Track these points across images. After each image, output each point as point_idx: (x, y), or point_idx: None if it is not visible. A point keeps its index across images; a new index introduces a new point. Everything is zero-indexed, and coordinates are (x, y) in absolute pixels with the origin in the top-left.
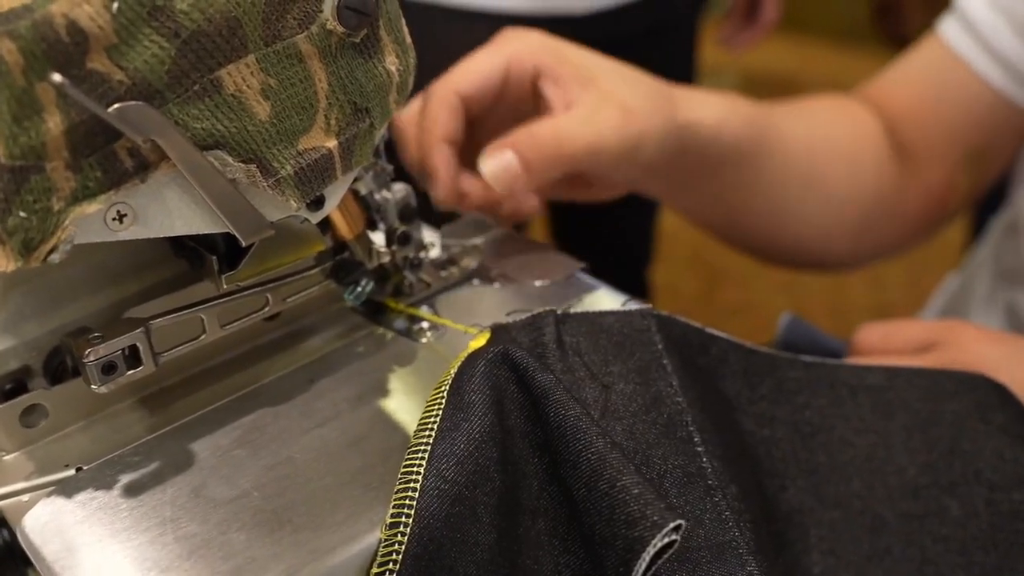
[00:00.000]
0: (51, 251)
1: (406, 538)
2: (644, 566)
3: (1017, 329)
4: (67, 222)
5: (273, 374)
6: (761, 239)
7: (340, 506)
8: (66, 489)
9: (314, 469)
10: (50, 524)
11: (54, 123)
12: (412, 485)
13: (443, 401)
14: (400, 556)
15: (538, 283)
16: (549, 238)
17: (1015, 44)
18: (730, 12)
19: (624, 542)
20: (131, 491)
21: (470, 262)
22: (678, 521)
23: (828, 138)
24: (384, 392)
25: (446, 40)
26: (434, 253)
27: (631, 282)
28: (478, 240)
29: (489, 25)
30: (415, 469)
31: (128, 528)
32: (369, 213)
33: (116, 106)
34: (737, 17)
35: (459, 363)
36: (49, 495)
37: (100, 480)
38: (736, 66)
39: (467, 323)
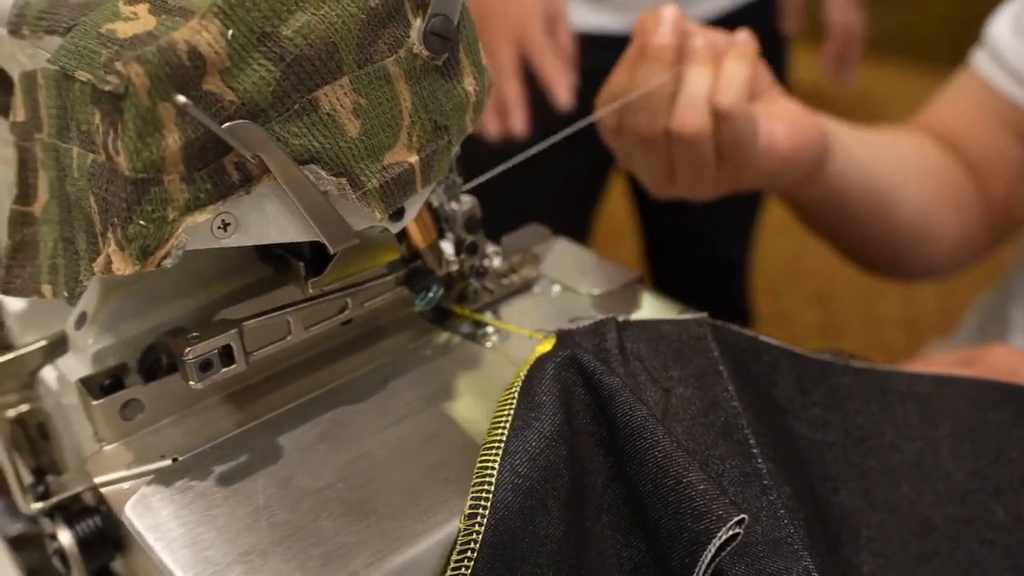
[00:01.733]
0: (165, 256)
1: (483, 528)
2: (709, 557)
3: None
4: (180, 230)
5: (349, 374)
6: (884, 256)
7: (419, 498)
8: (164, 478)
9: (392, 463)
10: (151, 510)
11: (173, 139)
12: (488, 479)
13: (515, 401)
14: (478, 544)
15: (596, 291)
16: (643, 255)
17: None
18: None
19: (690, 535)
20: (224, 481)
21: (530, 271)
22: (742, 515)
23: (924, 159)
24: (452, 393)
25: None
26: (497, 262)
27: (728, 300)
28: (537, 250)
29: (590, 45)
30: (490, 464)
31: (224, 515)
32: (439, 223)
33: (227, 124)
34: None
35: (528, 366)
36: (148, 483)
37: (195, 470)
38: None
39: (530, 329)
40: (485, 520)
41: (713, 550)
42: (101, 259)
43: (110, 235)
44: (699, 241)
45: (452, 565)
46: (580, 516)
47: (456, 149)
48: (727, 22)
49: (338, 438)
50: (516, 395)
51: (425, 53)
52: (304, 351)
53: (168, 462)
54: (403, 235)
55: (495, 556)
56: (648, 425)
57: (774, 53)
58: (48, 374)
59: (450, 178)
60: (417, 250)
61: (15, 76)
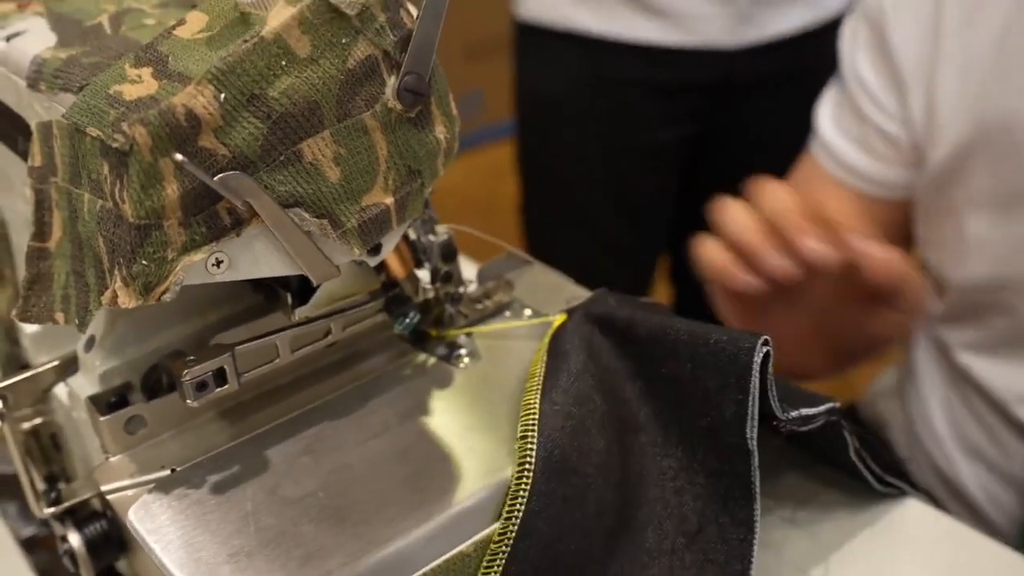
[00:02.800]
0: (164, 291)
1: (535, 445)
2: (756, 378)
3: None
4: (178, 268)
5: (332, 393)
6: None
7: (392, 505)
8: (163, 486)
9: (369, 474)
10: (152, 515)
11: (171, 190)
12: (532, 412)
13: (545, 357)
14: (532, 460)
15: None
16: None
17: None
18: None
19: (736, 369)
20: (217, 489)
21: (503, 296)
22: (764, 336)
23: None
24: (427, 410)
25: (608, 70)
26: (471, 289)
27: None
28: (512, 275)
29: (646, 57)
30: (532, 401)
31: (216, 520)
32: (416, 254)
33: (220, 176)
34: None
35: (550, 335)
36: (150, 491)
37: (191, 479)
38: None
39: (507, 348)
40: (535, 439)
41: (757, 369)
42: (108, 294)
43: (116, 273)
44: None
45: (514, 479)
46: (618, 435)
47: (429, 189)
48: (799, 41)
49: (320, 451)
50: (545, 355)
51: (399, 107)
52: (291, 372)
53: (167, 472)
54: (382, 266)
55: (548, 467)
56: (666, 323)
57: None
58: (60, 391)
59: (426, 214)
60: (396, 279)
61: (32, 124)
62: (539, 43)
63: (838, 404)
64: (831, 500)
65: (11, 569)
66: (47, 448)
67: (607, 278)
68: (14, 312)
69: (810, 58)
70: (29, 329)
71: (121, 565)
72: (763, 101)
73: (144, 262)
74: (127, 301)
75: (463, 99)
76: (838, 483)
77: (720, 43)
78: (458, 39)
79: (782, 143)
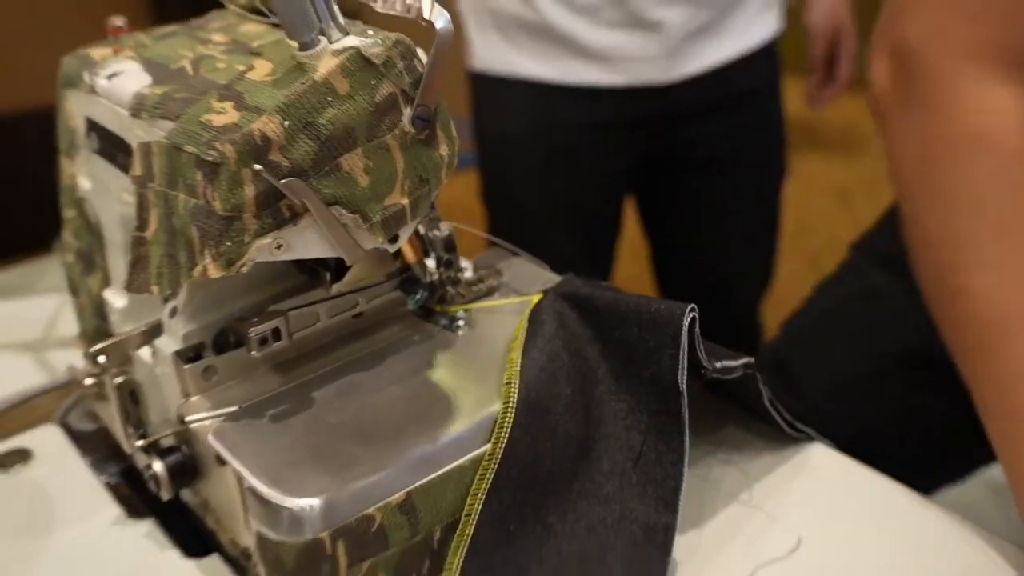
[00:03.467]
0: (242, 266)
1: (517, 389)
2: (685, 336)
3: None
4: (252, 249)
5: (359, 352)
6: None
7: (406, 431)
8: (233, 418)
9: (389, 409)
10: (225, 438)
11: (249, 191)
12: (515, 365)
13: (526, 325)
14: (515, 399)
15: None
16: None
17: None
18: (810, 70)
19: (671, 329)
20: (273, 419)
21: (493, 281)
22: (691, 304)
23: None
24: (432, 365)
25: (554, 112)
26: (467, 275)
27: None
28: (501, 265)
29: (589, 97)
30: (514, 357)
31: (274, 441)
32: (424, 245)
33: (283, 181)
34: (817, 75)
35: (530, 309)
36: (222, 422)
37: (253, 413)
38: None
39: (496, 320)
40: (517, 385)
41: (686, 328)
42: (199, 268)
43: (207, 252)
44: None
45: (500, 414)
46: (581, 385)
47: (435, 194)
48: (729, 71)
49: (350, 393)
50: (526, 323)
51: (413, 131)
52: (327, 335)
53: (235, 408)
54: (398, 253)
55: (527, 406)
56: (619, 298)
57: (775, 97)
58: (143, 353)
59: (433, 213)
60: (409, 264)
61: (133, 144)
62: (490, 89)
63: (753, 360)
64: (759, 446)
65: (100, 503)
66: (126, 401)
67: None
68: (126, 283)
69: (742, 84)
70: (116, 305)
71: (187, 495)
72: (701, 128)
73: (228, 243)
74: (214, 272)
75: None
76: (767, 434)
77: (654, 80)
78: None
79: (724, 165)
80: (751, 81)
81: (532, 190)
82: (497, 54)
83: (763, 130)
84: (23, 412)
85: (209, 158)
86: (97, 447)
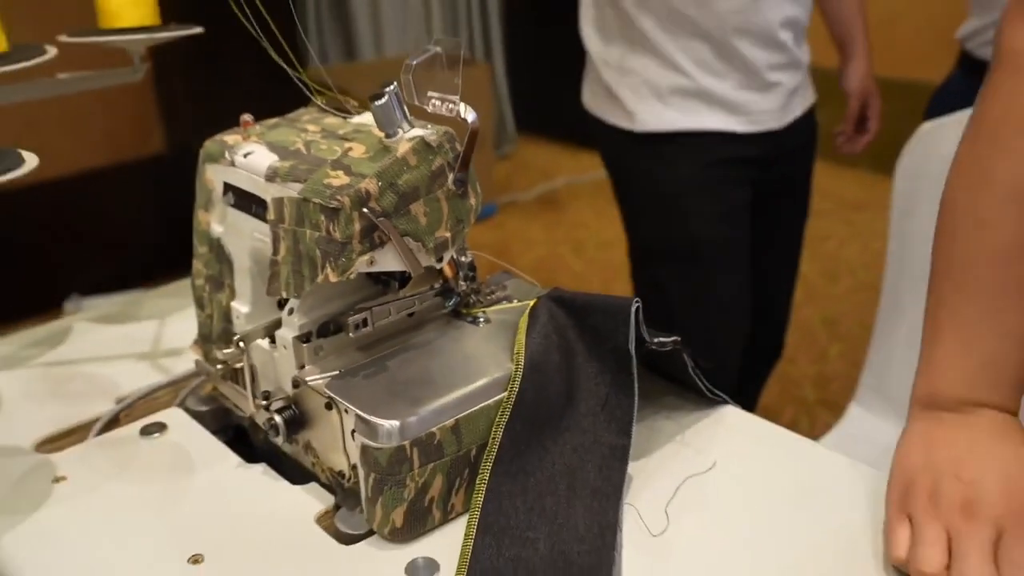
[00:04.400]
0: (350, 273)
1: (523, 357)
2: (632, 320)
3: None
4: (356, 263)
5: (415, 337)
6: None
7: (453, 382)
8: (336, 379)
9: (439, 370)
10: (334, 387)
11: (358, 226)
12: (520, 344)
13: (526, 320)
14: (522, 363)
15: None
16: None
17: None
18: (846, 124)
19: (623, 316)
20: (364, 377)
21: (501, 292)
22: (636, 298)
23: None
24: (464, 345)
25: (708, 155)
26: (485, 287)
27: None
28: (507, 283)
29: (730, 141)
30: (521, 338)
31: (366, 389)
32: (456, 266)
33: (379, 219)
34: (850, 128)
35: (528, 310)
36: (329, 380)
37: (350, 375)
38: None
39: (505, 318)
40: (523, 353)
41: (633, 316)
42: (322, 276)
43: (327, 265)
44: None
45: (513, 372)
46: (566, 357)
47: (467, 230)
48: (807, 120)
49: (411, 362)
50: (527, 318)
51: (453, 189)
52: (395, 326)
53: (336, 372)
54: (440, 271)
55: (530, 368)
56: (593, 297)
57: (813, 152)
58: (262, 343)
59: (463, 246)
60: (447, 279)
61: (268, 199)
62: (655, 144)
63: (679, 339)
64: (690, 408)
65: (224, 454)
66: (252, 376)
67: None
68: (266, 290)
69: (810, 130)
70: (243, 311)
71: (286, 447)
72: (788, 163)
73: (343, 259)
74: (333, 278)
75: None
76: (695, 400)
77: (772, 127)
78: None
79: (794, 189)
80: (810, 131)
81: (691, 217)
82: (655, 116)
83: (811, 165)
84: (148, 402)
85: (332, 205)
86: (208, 421)
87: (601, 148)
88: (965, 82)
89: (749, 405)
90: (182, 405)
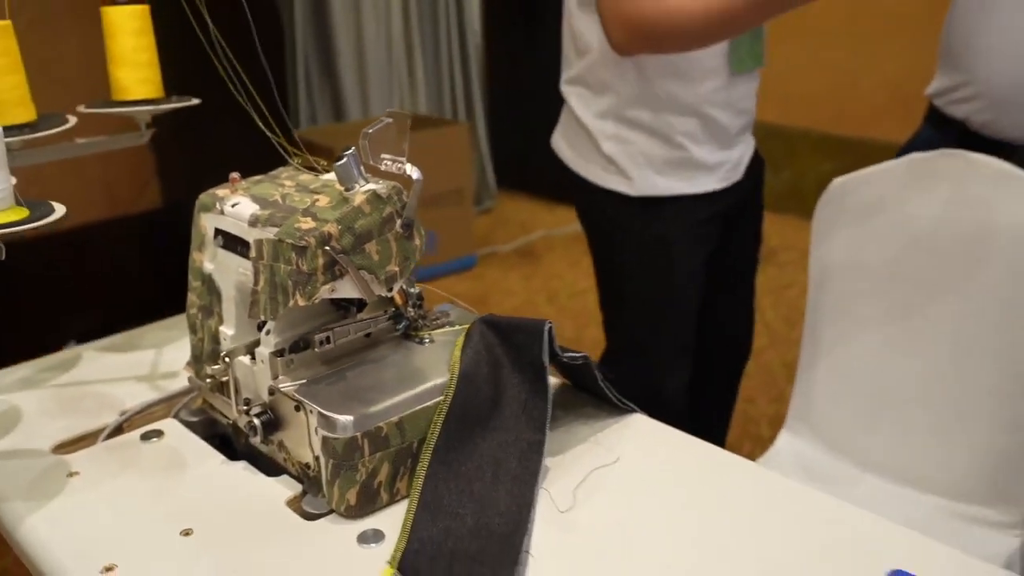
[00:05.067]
0: (315, 299)
1: (458, 367)
2: (546, 338)
3: None
4: (320, 291)
5: (371, 354)
6: None
7: (398, 388)
8: (303, 386)
9: (388, 378)
10: (303, 392)
11: (321, 261)
12: (456, 358)
13: (463, 339)
14: (456, 374)
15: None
16: None
17: None
18: None
19: (538, 334)
20: (327, 383)
21: (444, 319)
22: (549, 322)
23: None
24: (411, 359)
25: (695, 214)
26: (430, 314)
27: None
28: (449, 310)
29: (712, 199)
30: (456, 354)
31: (326, 393)
32: (406, 296)
33: (339, 255)
34: None
35: (466, 330)
36: (297, 387)
37: (314, 383)
38: None
39: (446, 339)
40: (458, 366)
41: (547, 335)
42: (292, 301)
43: (297, 293)
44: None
45: (448, 381)
46: (494, 370)
47: (413, 266)
48: (750, 168)
49: (368, 373)
50: (463, 338)
51: (402, 232)
52: (353, 345)
53: (304, 382)
54: (392, 299)
55: (463, 378)
56: (518, 320)
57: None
58: (243, 359)
59: (411, 279)
60: (398, 306)
61: (250, 240)
62: (647, 206)
63: (587, 355)
64: (603, 415)
65: (210, 454)
66: (234, 387)
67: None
68: (248, 314)
69: (756, 164)
70: (228, 333)
71: (261, 447)
72: (743, 206)
73: (308, 288)
74: (301, 303)
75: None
76: (607, 409)
77: (738, 179)
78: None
79: (750, 224)
80: (759, 160)
81: (679, 268)
82: (651, 183)
83: (761, 186)
84: (147, 414)
85: (301, 244)
86: (198, 430)
87: (589, 208)
88: (935, 136)
89: (729, 403)
90: (176, 416)
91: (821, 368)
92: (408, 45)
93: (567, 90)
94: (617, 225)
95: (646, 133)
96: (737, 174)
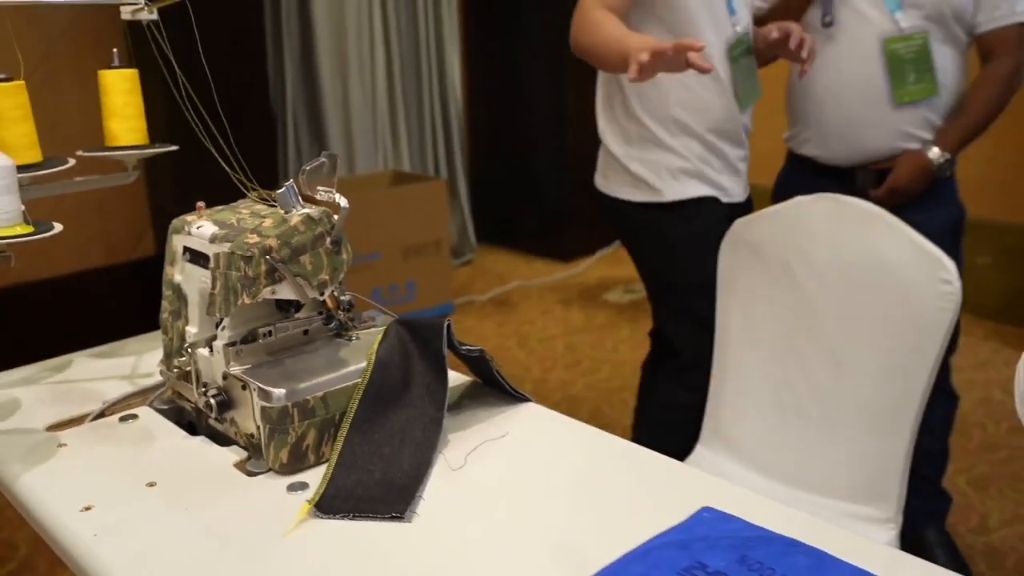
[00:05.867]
0: (257, 299)
1: (375, 356)
2: (444, 332)
3: None
4: (262, 292)
5: (307, 348)
6: None
7: (325, 369)
8: (249, 370)
9: (319, 365)
10: (250, 373)
11: (264, 268)
12: (373, 349)
13: (380, 337)
14: (373, 361)
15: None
16: None
17: None
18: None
19: (439, 328)
20: (269, 367)
21: (369, 321)
22: (448, 320)
23: None
24: (339, 351)
25: (717, 213)
26: (358, 319)
27: None
28: (373, 314)
29: (721, 207)
30: (375, 346)
31: (266, 374)
32: (338, 301)
33: (278, 264)
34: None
35: (384, 329)
36: (244, 371)
37: (258, 367)
38: None
39: (369, 337)
40: (376, 354)
41: (446, 329)
42: (241, 300)
43: (244, 294)
44: None
45: (367, 366)
46: (405, 359)
47: (341, 275)
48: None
49: (303, 361)
50: (381, 336)
51: (331, 248)
52: (292, 340)
53: (249, 366)
54: (325, 303)
55: (379, 365)
56: (423, 319)
57: None
58: (203, 351)
59: (342, 288)
60: (330, 309)
61: (210, 254)
62: (675, 209)
63: (484, 349)
64: (501, 405)
65: (176, 432)
66: (196, 375)
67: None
68: (207, 311)
69: (748, 199)
70: (192, 331)
71: (219, 426)
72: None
73: (253, 289)
74: (247, 302)
75: (403, 286)
76: (504, 399)
77: (739, 197)
78: (398, 244)
79: None
80: (750, 196)
81: (696, 263)
82: (675, 189)
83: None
84: (126, 404)
85: (248, 255)
86: (168, 416)
87: (627, 223)
88: (794, 171)
89: None
90: (150, 405)
91: (728, 389)
92: (392, 108)
93: (603, 129)
94: (653, 231)
95: (662, 150)
96: (740, 196)
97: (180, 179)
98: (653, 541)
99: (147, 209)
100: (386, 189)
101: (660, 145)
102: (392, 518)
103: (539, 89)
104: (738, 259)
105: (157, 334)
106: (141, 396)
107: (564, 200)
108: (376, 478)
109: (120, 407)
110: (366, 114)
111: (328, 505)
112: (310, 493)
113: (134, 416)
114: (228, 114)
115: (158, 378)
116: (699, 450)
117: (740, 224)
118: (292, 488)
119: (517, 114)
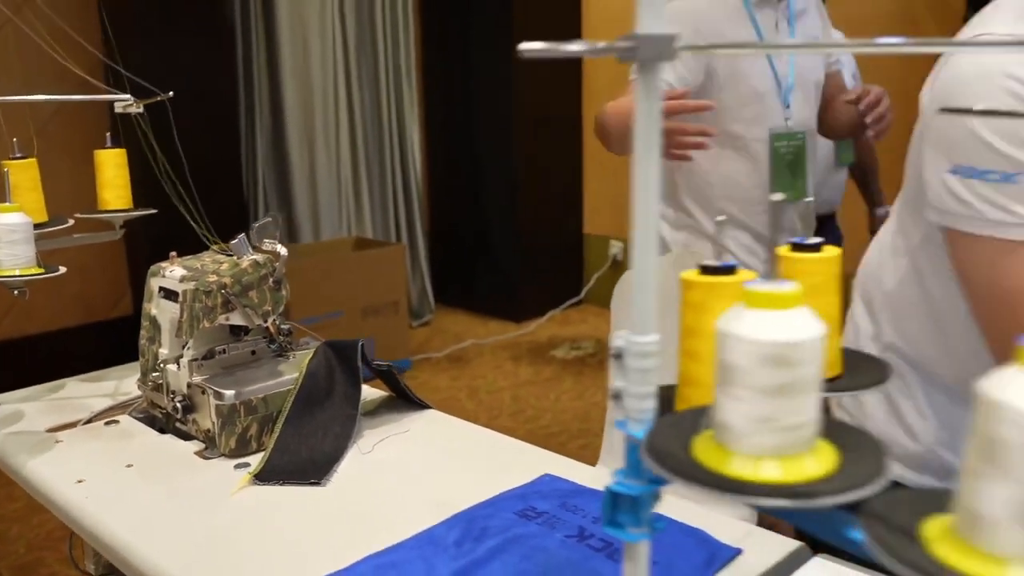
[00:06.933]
0: (215, 324)
1: (304, 369)
2: (359, 350)
3: None
4: (218, 319)
5: (253, 364)
6: None
7: (268, 380)
8: (208, 379)
9: (264, 376)
10: (207, 382)
11: (220, 299)
12: (304, 364)
13: (311, 355)
14: (303, 374)
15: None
16: None
17: None
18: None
19: (355, 348)
20: (224, 376)
21: (305, 345)
22: (362, 340)
23: None
24: (278, 366)
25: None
26: (296, 343)
27: None
28: (310, 342)
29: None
30: (305, 360)
31: (221, 383)
32: (278, 329)
33: (231, 297)
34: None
35: (314, 350)
36: (204, 380)
37: (216, 377)
38: None
39: (304, 354)
40: (304, 369)
41: (360, 348)
42: (202, 326)
43: (205, 320)
44: None
45: (298, 376)
46: (329, 372)
47: (281, 307)
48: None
49: (250, 374)
50: (311, 353)
51: (274, 285)
52: (242, 358)
53: (207, 377)
54: (268, 329)
55: (308, 377)
56: (345, 340)
57: None
58: (172, 366)
59: (282, 317)
60: (272, 334)
61: (179, 292)
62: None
63: (392, 363)
64: (411, 413)
65: (151, 432)
66: (166, 386)
67: None
68: (175, 334)
69: None
70: (164, 352)
71: (183, 427)
72: None
73: (212, 316)
74: (207, 326)
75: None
76: (414, 407)
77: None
78: (359, 305)
79: None
80: None
81: None
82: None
83: None
84: (109, 413)
85: (207, 290)
86: (144, 421)
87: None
88: None
89: None
90: (130, 414)
91: None
92: (355, 176)
93: None
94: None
95: (682, 212)
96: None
97: (155, 241)
98: (501, 494)
99: (125, 274)
100: (348, 253)
101: (679, 209)
102: (312, 483)
103: (491, 157)
104: (627, 307)
105: (135, 364)
106: (122, 408)
107: (518, 264)
108: (303, 457)
109: (105, 415)
110: (331, 183)
111: (265, 476)
112: (252, 469)
113: (116, 421)
114: (202, 184)
115: (136, 394)
116: (599, 467)
117: (628, 276)
118: (238, 467)
119: (473, 182)
